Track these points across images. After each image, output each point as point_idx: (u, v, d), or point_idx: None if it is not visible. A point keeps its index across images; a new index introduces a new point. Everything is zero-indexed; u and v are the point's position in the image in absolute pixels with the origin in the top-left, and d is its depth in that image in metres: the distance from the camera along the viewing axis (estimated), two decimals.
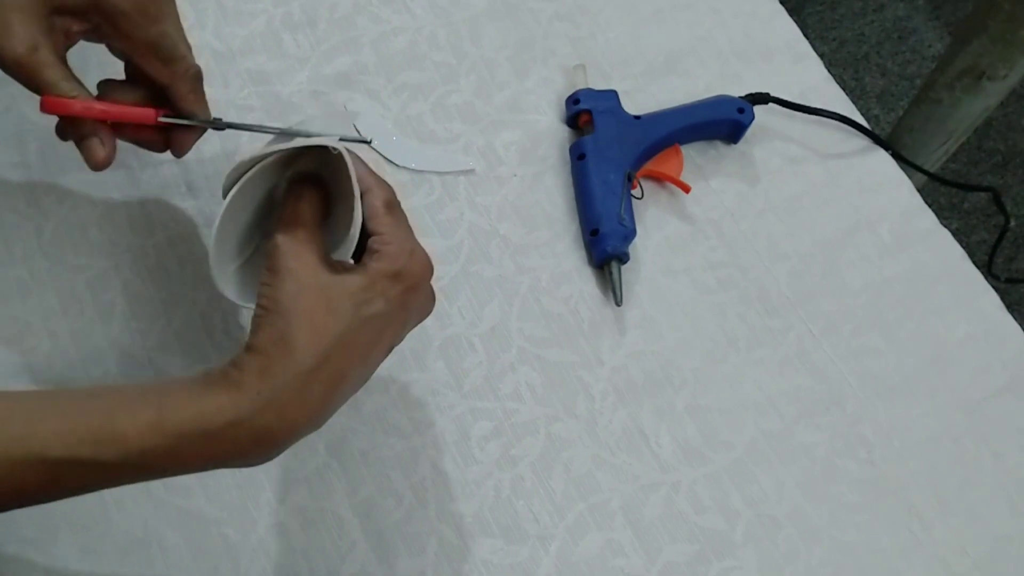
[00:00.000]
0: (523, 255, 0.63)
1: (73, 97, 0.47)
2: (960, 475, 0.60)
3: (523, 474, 0.57)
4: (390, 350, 0.47)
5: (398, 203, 0.47)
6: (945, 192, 1.68)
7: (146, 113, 0.50)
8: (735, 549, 0.56)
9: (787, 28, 0.74)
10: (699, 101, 0.68)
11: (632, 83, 0.70)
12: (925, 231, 0.68)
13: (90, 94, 0.49)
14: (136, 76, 0.52)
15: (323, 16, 0.69)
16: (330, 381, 0.42)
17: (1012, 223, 0.72)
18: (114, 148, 0.50)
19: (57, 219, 0.60)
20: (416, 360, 0.59)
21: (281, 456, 0.55)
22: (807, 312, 0.64)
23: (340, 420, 0.56)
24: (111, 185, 0.61)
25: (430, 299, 0.48)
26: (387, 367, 0.58)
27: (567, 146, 0.67)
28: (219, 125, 0.52)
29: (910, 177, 0.70)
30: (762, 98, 0.68)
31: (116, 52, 0.52)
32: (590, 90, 0.67)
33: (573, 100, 0.67)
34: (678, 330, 0.62)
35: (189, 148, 0.54)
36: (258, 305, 0.43)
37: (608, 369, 0.60)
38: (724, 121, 0.67)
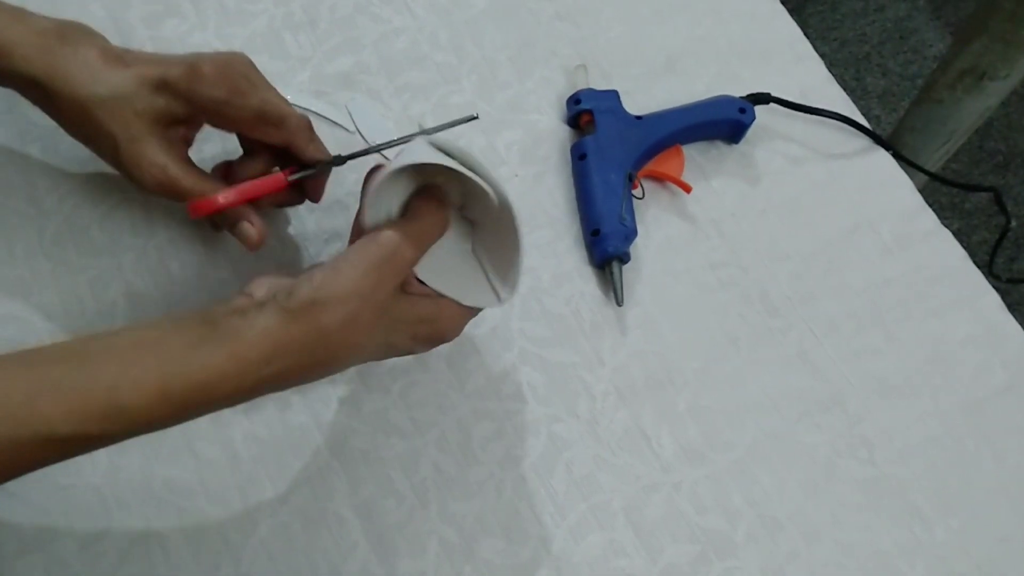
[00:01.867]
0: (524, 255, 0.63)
1: (211, 195, 0.51)
2: (961, 475, 0.60)
3: (525, 474, 0.57)
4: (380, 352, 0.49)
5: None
6: (946, 192, 1.68)
7: (277, 180, 0.53)
8: (736, 549, 0.56)
9: (788, 28, 0.74)
10: (700, 101, 0.68)
11: (633, 83, 0.69)
12: (926, 231, 0.67)
13: (222, 183, 0.53)
14: (252, 145, 0.55)
15: (324, 16, 0.70)
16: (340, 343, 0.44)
17: (1013, 223, 0.72)
18: (263, 224, 0.54)
19: (59, 219, 0.60)
20: (417, 360, 0.59)
21: (282, 456, 0.55)
22: (808, 312, 0.64)
23: (341, 420, 0.56)
24: (113, 186, 0.61)
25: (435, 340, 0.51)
26: (388, 367, 0.58)
27: (568, 146, 0.67)
28: (340, 161, 0.55)
29: (911, 177, 0.70)
30: (763, 98, 0.68)
31: (231, 130, 0.55)
32: (591, 90, 0.67)
33: (574, 100, 0.67)
34: (679, 330, 0.62)
35: (323, 189, 0.58)
36: (318, 270, 0.44)
37: (609, 369, 0.60)
38: (725, 121, 0.67)
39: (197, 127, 0.57)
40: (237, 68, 0.51)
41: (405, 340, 0.48)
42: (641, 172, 0.65)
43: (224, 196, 0.51)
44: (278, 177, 0.53)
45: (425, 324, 0.48)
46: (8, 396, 0.38)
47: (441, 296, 0.49)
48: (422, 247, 0.47)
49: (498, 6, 0.72)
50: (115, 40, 0.52)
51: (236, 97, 0.51)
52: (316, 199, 0.58)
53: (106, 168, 0.62)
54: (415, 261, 0.47)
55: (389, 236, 0.45)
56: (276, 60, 0.67)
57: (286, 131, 0.53)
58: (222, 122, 0.53)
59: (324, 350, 0.43)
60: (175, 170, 0.51)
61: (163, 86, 0.50)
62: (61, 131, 0.62)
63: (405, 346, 0.49)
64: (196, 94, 0.50)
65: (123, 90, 0.49)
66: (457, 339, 0.50)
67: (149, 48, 0.65)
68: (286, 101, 0.53)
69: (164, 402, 0.40)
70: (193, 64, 0.50)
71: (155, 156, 0.51)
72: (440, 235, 0.49)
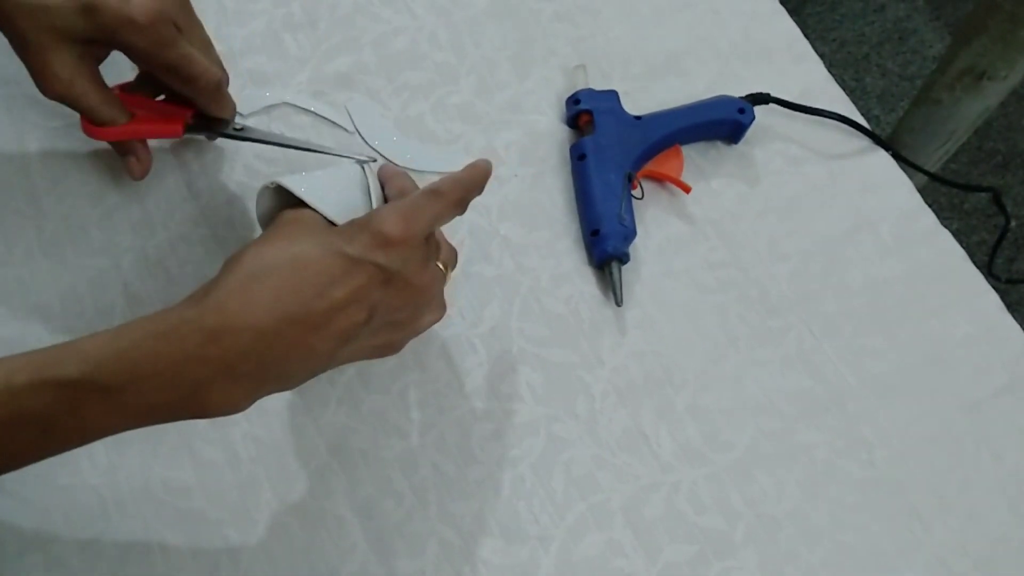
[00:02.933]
0: (523, 255, 0.63)
1: (109, 121, 0.55)
2: (960, 475, 0.60)
3: (523, 474, 0.57)
4: (372, 309, 0.45)
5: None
6: (945, 192, 1.68)
7: (174, 129, 0.57)
8: (735, 549, 0.56)
9: (787, 28, 0.74)
10: (699, 101, 0.68)
11: (632, 83, 0.69)
12: (925, 231, 0.67)
13: (125, 112, 0.56)
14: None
15: (323, 16, 0.70)
16: (274, 291, 0.42)
17: (1012, 223, 0.72)
18: (149, 160, 0.59)
19: (57, 219, 0.60)
20: (416, 360, 0.59)
21: (281, 456, 0.55)
22: (807, 312, 0.64)
23: (340, 420, 0.56)
24: (112, 186, 0.61)
25: (417, 266, 0.47)
26: (388, 367, 0.58)
27: (567, 146, 0.67)
28: (236, 135, 0.58)
29: (911, 177, 0.70)
30: (762, 98, 0.68)
31: (144, 69, 0.57)
32: (590, 90, 0.67)
33: (573, 100, 0.67)
34: (678, 330, 0.62)
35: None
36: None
37: (608, 369, 0.60)
38: (725, 121, 0.67)
39: (109, 52, 0.56)
40: (168, 14, 0.51)
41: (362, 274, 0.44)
42: (640, 172, 0.65)
43: (117, 130, 0.55)
44: (175, 128, 0.57)
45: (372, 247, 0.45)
46: None
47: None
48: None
49: (498, 6, 0.72)
50: None
51: (157, 48, 0.52)
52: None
53: (106, 168, 0.62)
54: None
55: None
56: (275, 60, 0.67)
57: (194, 89, 0.55)
58: (137, 61, 0.54)
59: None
60: (80, 86, 0.53)
61: (90, 11, 0.50)
62: (60, 131, 0.62)
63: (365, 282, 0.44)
64: (119, 35, 0.51)
65: (48, 1, 0.50)
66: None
67: None
68: (211, 49, 0.56)
69: (113, 341, 0.41)
70: (124, 8, 0.50)
71: (62, 70, 0.52)
72: None
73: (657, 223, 0.65)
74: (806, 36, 0.74)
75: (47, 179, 0.61)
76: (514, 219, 0.64)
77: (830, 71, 0.73)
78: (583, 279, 0.63)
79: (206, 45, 0.56)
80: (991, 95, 1.11)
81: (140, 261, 0.59)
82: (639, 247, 0.64)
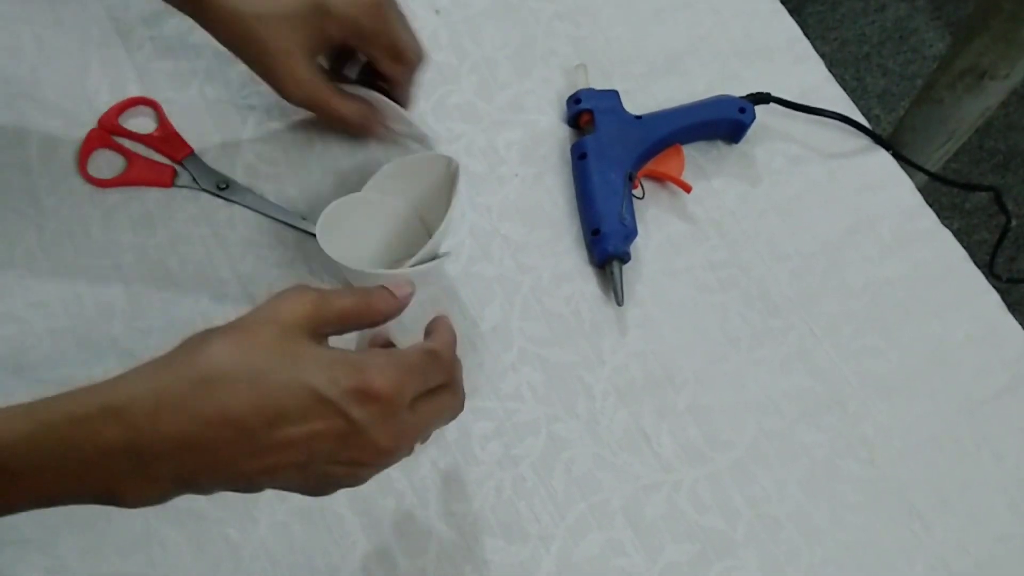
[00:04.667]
0: (524, 255, 0.63)
1: (359, 118, 0.61)
2: (960, 475, 0.60)
3: (524, 474, 0.57)
4: (328, 462, 0.41)
5: (443, 359, 0.45)
6: (946, 192, 1.68)
7: (163, 180, 0.62)
8: (736, 549, 0.56)
9: (788, 28, 0.74)
10: (700, 101, 0.68)
11: (633, 83, 0.69)
12: (926, 231, 0.67)
13: (364, 102, 0.61)
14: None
15: None
16: (220, 407, 0.37)
17: (1013, 223, 0.72)
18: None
19: (58, 218, 0.60)
20: None
21: None
22: (808, 312, 0.64)
23: None
24: (115, 175, 0.61)
25: (387, 435, 0.41)
26: None
27: (568, 146, 0.67)
28: (220, 195, 0.62)
29: (911, 177, 0.70)
30: (763, 98, 0.68)
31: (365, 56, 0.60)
32: (591, 90, 0.67)
33: (574, 100, 0.67)
34: (679, 330, 0.62)
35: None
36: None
37: (609, 369, 0.60)
38: (725, 121, 0.67)
39: (335, 51, 0.60)
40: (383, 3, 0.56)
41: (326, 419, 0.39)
42: (641, 172, 0.65)
43: (112, 181, 0.61)
44: (164, 179, 0.62)
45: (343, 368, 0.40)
46: None
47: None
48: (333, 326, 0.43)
49: (498, 6, 0.72)
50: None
51: (382, 26, 0.56)
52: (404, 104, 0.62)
53: (106, 168, 0.62)
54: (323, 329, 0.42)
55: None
56: None
57: (403, 65, 0.59)
58: (358, 42, 0.58)
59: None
60: (324, 86, 0.57)
61: (322, 9, 0.54)
62: (60, 131, 0.62)
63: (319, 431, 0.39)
64: (350, 22, 0.55)
65: (286, 9, 0.54)
66: (456, 339, 0.47)
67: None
68: (413, 32, 0.59)
69: (25, 417, 0.37)
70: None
71: (305, 72, 0.56)
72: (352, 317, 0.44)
73: (658, 222, 0.65)
74: (806, 36, 0.74)
75: (48, 179, 0.61)
76: (515, 219, 0.64)
77: (830, 71, 0.73)
78: (584, 279, 0.63)
79: (409, 28, 0.59)
80: (992, 94, 1.11)
81: (141, 261, 0.59)
82: (640, 246, 0.64)
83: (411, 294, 0.47)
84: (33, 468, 0.37)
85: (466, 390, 0.58)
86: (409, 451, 0.44)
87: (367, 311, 0.44)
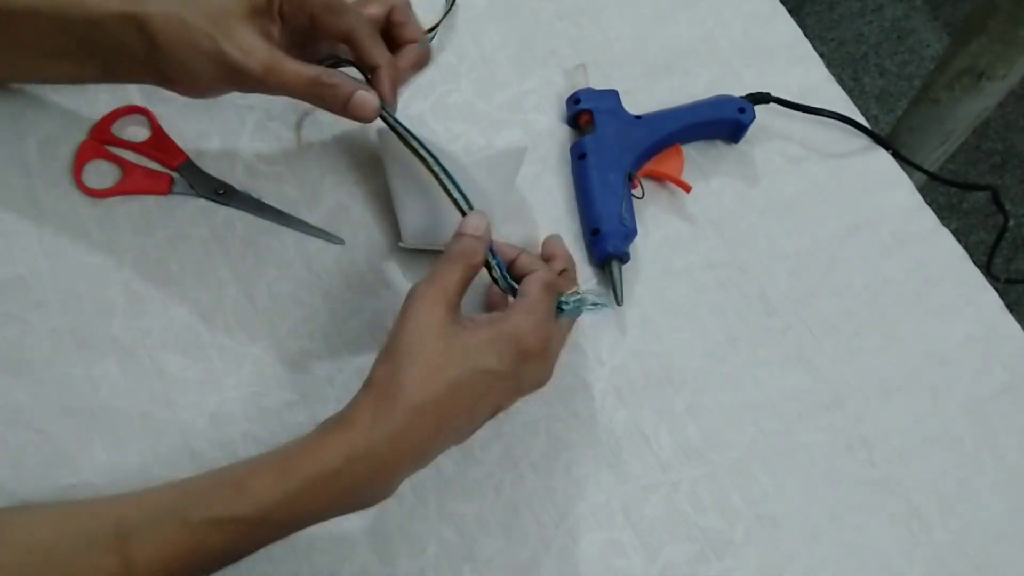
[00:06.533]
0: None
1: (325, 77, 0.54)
2: (960, 475, 0.60)
3: (524, 474, 0.57)
4: (497, 410, 0.51)
5: (556, 284, 0.53)
6: (944, 192, 1.68)
7: (160, 188, 0.61)
8: (735, 549, 0.56)
9: (787, 28, 0.74)
10: (700, 101, 0.68)
11: (633, 83, 0.69)
12: (925, 231, 0.68)
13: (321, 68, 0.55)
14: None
15: None
16: (435, 421, 0.46)
17: (1011, 223, 0.72)
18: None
19: (57, 218, 0.60)
20: None
21: None
22: (807, 312, 0.64)
23: None
24: (111, 184, 0.61)
25: (544, 372, 0.52)
26: None
27: (568, 146, 0.67)
28: (218, 200, 0.62)
29: (910, 176, 0.70)
30: (763, 98, 0.68)
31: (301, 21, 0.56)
32: (591, 90, 0.67)
33: (574, 100, 0.67)
34: (678, 330, 0.62)
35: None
36: (384, 347, 0.48)
37: (608, 369, 0.60)
38: (725, 121, 0.67)
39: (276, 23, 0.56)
40: None
41: (495, 362, 0.48)
42: (641, 172, 0.65)
43: (109, 191, 0.60)
44: (162, 187, 0.61)
45: (504, 342, 0.48)
46: (165, 495, 0.45)
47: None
48: (451, 294, 0.49)
49: (498, 5, 0.72)
50: None
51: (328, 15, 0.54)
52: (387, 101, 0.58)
53: (106, 168, 0.61)
54: (453, 304, 0.49)
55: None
56: None
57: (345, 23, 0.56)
58: (298, 13, 0.54)
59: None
60: (279, 55, 0.52)
61: None
62: (60, 131, 0.62)
63: (501, 370, 0.48)
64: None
65: None
66: (566, 249, 0.54)
67: None
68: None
69: (283, 482, 0.44)
70: None
71: (254, 41, 0.52)
72: (464, 281, 0.50)
73: (657, 222, 0.65)
74: (804, 36, 0.74)
75: (47, 178, 0.61)
76: (515, 218, 0.64)
77: (829, 71, 0.73)
78: (583, 278, 0.63)
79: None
80: (990, 95, 1.11)
81: (140, 260, 0.59)
82: (639, 246, 0.64)
83: (485, 219, 0.52)
84: (300, 521, 0.45)
85: None
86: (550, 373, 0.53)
87: (470, 262, 0.50)
